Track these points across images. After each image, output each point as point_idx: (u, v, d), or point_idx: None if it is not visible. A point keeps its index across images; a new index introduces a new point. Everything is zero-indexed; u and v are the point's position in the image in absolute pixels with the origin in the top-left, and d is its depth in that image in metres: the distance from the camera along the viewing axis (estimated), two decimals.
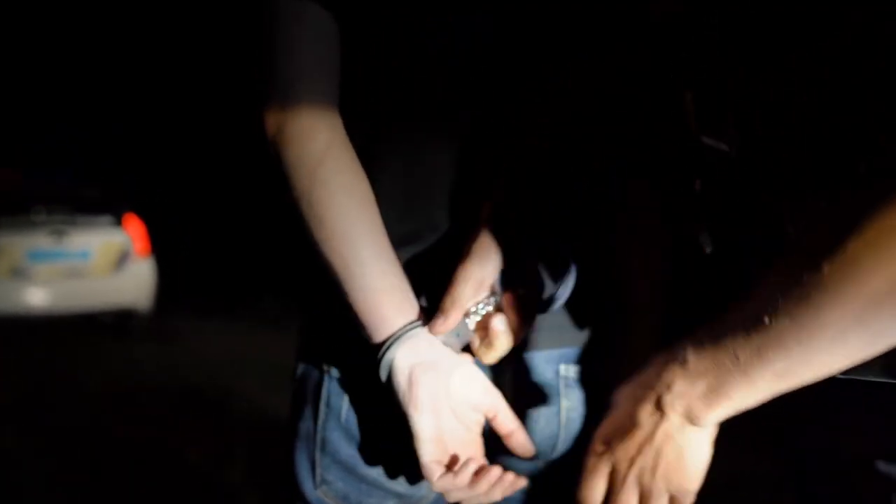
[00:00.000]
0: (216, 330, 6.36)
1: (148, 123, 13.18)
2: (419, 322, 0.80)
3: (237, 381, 4.78)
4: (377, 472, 0.88)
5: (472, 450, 0.81)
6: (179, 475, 3.29)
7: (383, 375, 0.80)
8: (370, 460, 0.88)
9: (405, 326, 0.79)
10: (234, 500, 3.07)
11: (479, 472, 0.77)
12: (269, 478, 3.08)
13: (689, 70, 0.74)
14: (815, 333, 0.56)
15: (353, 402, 0.88)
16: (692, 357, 0.65)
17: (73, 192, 6.57)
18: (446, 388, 0.79)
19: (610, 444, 0.72)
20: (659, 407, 0.67)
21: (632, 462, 0.70)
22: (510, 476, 0.78)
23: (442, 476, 0.77)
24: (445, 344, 0.81)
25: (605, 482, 0.73)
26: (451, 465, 0.78)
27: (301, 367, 0.94)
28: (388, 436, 0.87)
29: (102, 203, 6.45)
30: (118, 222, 6.27)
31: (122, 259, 6.14)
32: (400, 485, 0.89)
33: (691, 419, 0.66)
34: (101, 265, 6.04)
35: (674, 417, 0.67)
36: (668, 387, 0.66)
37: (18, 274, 5.74)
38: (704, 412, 0.65)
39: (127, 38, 13.43)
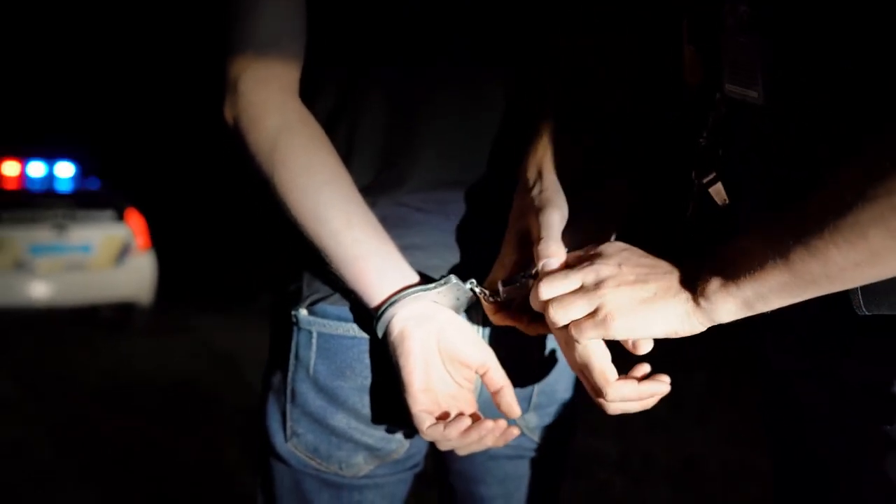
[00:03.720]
0: (214, 324, 6.36)
1: (150, 118, 13.20)
2: (415, 287, 0.81)
3: (233, 375, 4.78)
4: (346, 424, 0.88)
5: (463, 405, 0.82)
6: (172, 466, 3.30)
7: (380, 332, 0.81)
8: (339, 412, 0.88)
9: (401, 292, 0.80)
10: (226, 491, 3.07)
11: (470, 427, 0.77)
12: None
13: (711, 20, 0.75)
14: (832, 225, 0.57)
15: (320, 353, 0.88)
16: (730, 244, 0.67)
17: (75, 186, 6.61)
18: (437, 341, 0.80)
19: (610, 255, 0.71)
20: (681, 266, 0.69)
21: (619, 266, 0.70)
22: (502, 424, 0.78)
23: (432, 426, 0.77)
24: (441, 304, 0.82)
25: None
26: (442, 417, 0.79)
27: (274, 321, 0.95)
28: (357, 388, 0.88)
29: (104, 197, 6.48)
30: (120, 216, 6.29)
31: (123, 253, 6.16)
32: (370, 437, 0.89)
33: (707, 300, 0.66)
34: (102, 259, 6.06)
35: (693, 289, 0.67)
36: (701, 260, 0.68)
37: (21, 267, 5.76)
38: (717, 296, 0.66)
39: (129, 34, 13.45)
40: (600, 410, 0.77)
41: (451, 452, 1.03)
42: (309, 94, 0.86)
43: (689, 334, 0.70)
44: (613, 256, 0.72)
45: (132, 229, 6.28)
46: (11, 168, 6.56)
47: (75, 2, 13.31)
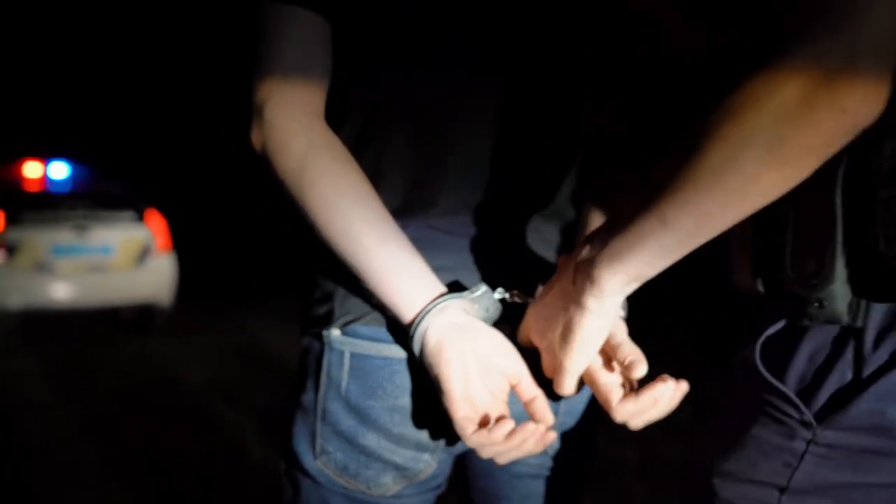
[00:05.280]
0: (234, 325, 6.41)
1: (170, 120, 13.30)
2: (447, 295, 0.82)
3: (253, 376, 4.81)
4: (376, 444, 0.89)
5: (498, 415, 0.82)
6: (191, 465, 3.32)
7: (416, 349, 0.82)
8: (369, 431, 0.89)
9: (434, 301, 0.81)
10: (244, 491, 3.09)
11: (513, 431, 0.78)
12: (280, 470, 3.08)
13: None
14: (694, 174, 0.62)
15: (352, 373, 0.89)
16: (596, 235, 0.73)
17: (95, 187, 6.66)
18: (473, 351, 0.81)
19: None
20: (573, 281, 0.75)
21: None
22: (542, 427, 0.79)
23: (475, 432, 0.78)
24: (473, 315, 0.83)
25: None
26: (483, 424, 0.80)
27: (305, 340, 0.96)
28: (388, 408, 0.89)
29: (124, 198, 6.52)
30: (140, 217, 6.32)
31: (143, 254, 6.20)
32: (399, 457, 0.90)
33: (594, 284, 0.72)
34: (122, 260, 6.10)
35: (581, 286, 0.73)
36: (576, 265, 0.75)
37: (42, 268, 5.82)
38: (604, 275, 0.71)
39: (150, 36, 13.56)
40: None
41: (475, 470, 1.05)
42: (335, 120, 0.87)
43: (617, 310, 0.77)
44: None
45: (152, 231, 6.32)
46: (33, 169, 6.62)
47: (95, 5, 13.43)
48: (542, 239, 0.95)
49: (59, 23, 13.62)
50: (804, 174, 0.60)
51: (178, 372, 4.96)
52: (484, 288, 0.84)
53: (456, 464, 1.02)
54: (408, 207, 0.89)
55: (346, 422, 0.89)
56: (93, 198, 6.40)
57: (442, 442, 0.91)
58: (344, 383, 0.89)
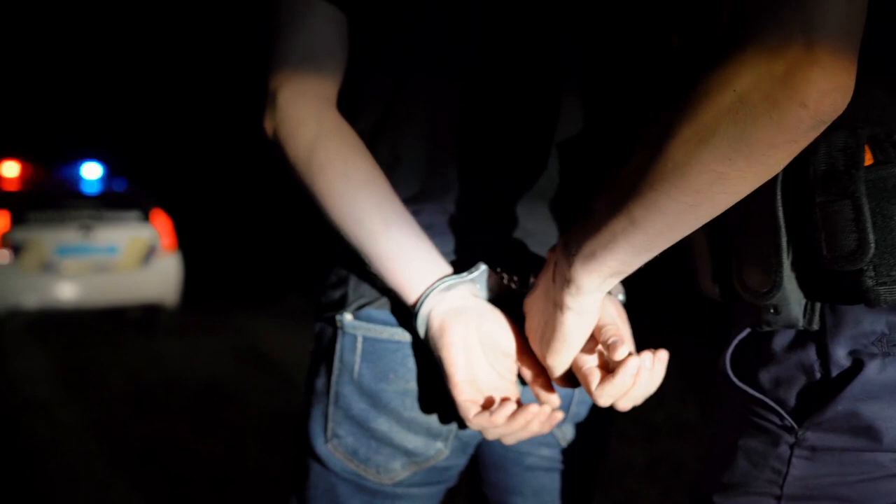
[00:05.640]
0: (240, 325, 6.43)
1: (176, 120, 13.35)
2: (448, 276, 0.83)
3: (259, 376, 4.82)
4: (388, 428, 0.89)
5: (507, 395, 0.82)
6: (197, 466, 3.32)
7: (421, 332, 0.83)
8: (381, 415, 0.89)
9: (434, 283, 0.82)
10: (249, 492, 3.08)
11: (516, 412, 0.77)
12: (284, 471, 3.09)
13: None
14: (658, 174, 0.60)
15: (365, 357, 0.89)
16: (572, 233, 0.72)
17: (101, 186, 6.68)
18: (477, 333, 0.81)
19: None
20: (553, 279, 0.76)
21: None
22: (547, 409, 0.78)
23: (478, 414, 0.78)
24: (478, 296, 0.84)
25: None
26: (487, 406, 0.80)
27: (318, 326, 0.96)
28: (399, 392, 0.89)
29: (130, 198, 6.54)
30: (145, 217, 6.35)
31: (149, 254, 6.22)
32: (410, 442, 0.90)
33: (571, 282, 0.71)
34: (128, 260, 6.12)
35: (560, 284, 0.73)
36: (555, 263, 0.75)
37: (48, 268, 5.83)
38: (580, 274, 0.70)
39: (155, 37, 13.62)
40: (627, 417, 0.78)
41: (486, 463, 1.05)
42: (353, 110, 0.88)
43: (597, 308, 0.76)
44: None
45: (158, 231, 6.34)
46: (38, 169, 6.64)
47: (103, 4, 13.49)
48: (556, 233, 0.94)
49: (64, 22, 13.69)
50: (773, 171, 0.58)
51: (183, 372, 4.97)
52: (483, 267, 0.84)
53: (471, 459, 1.02)
54: (423, 194, 0.90)
55: (358, 405, 0.90)
56: (98, 198, 6.42)
57: (454, 427, 0.90)
58: (356, 367, 0.90)
